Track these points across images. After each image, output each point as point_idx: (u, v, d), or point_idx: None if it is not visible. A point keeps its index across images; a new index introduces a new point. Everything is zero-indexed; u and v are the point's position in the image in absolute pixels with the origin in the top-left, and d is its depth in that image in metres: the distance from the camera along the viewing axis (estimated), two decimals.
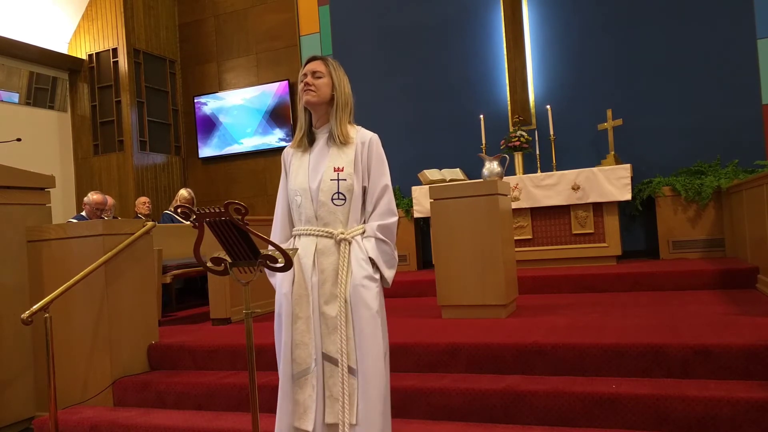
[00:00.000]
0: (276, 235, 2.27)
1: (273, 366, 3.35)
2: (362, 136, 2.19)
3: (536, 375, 2.99)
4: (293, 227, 2.24)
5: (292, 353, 2.11)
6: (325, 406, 2.07)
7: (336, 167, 2.13)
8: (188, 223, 6.22)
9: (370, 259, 2.13)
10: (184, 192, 6.93)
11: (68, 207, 8.73)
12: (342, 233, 2.12)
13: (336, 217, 2.13)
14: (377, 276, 2.14)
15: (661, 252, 6.16)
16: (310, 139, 2.22)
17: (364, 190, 2.19)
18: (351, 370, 2.06)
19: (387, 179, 2.21)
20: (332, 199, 2.12)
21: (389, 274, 2.17)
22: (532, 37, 7.22)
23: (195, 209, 1.88)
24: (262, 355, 3.46)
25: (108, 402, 3.64)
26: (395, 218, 2.20)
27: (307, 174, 2.16)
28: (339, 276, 2.09)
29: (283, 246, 2.19)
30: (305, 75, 2.17)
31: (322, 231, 2.13)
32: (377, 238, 2.14)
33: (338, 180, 2.11)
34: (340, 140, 2.14)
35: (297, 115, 2.26)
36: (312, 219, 2.14)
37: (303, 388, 2.09)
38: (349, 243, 2.12)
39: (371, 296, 2.09)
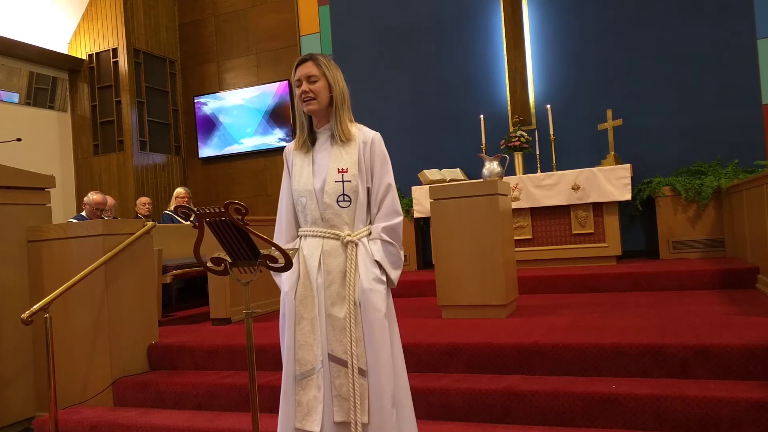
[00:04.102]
0: (282, 235, 2.24)
1: (273, 366, 3.36)
2: (364, 135, 2.17)
3: (536, 375, 2.99)
4: (299, 227, 2.23)
5: (296, 354, 2.10)
6: (333, 406, 2.06)
7: (340, 168, 2.11)
8: (188, 223, 6.24)
9: (377, 262, 2.12)
10: (180, 189, 6.92)
11: (68, 207, 8.73)
12: (349, 235, 2.11)
13: (342, 219, 2.12)
14: (384, 278, 2.14)
15: (661, 252, 6.16)
16: (312, 140, 2.20)
17: (368, 191, 2.18)
18: (361, 372, 2.05)
19: (390, 178, 2.19)
20: (338, 201, 2.10)
21: (395, 274, 2.17)
22: (532, 37, 7.22)
23: (195, 209, 1.88)
24: (262, 355, 3.46)
25: (108, 402, 3.64)
26: (400, 218, 2.19)
27: (311, 175, 2.15)
28: (347, 278, 2.08)
29: (289, 246, 2.19)
30: (300, 81, 2.12)
31: (329, 232, 2.11)
32: (383, 240, 2.14)
33: (343, 182, 2.10)
34: (341, 139, 2.13)
35: (296, 115, 2.23)
36: (318, 220, 2.13)
37: (306, 389, 2.07)
38: (356, 245, 2.11)
39: (380, 298, 2.09)
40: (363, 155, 2.15)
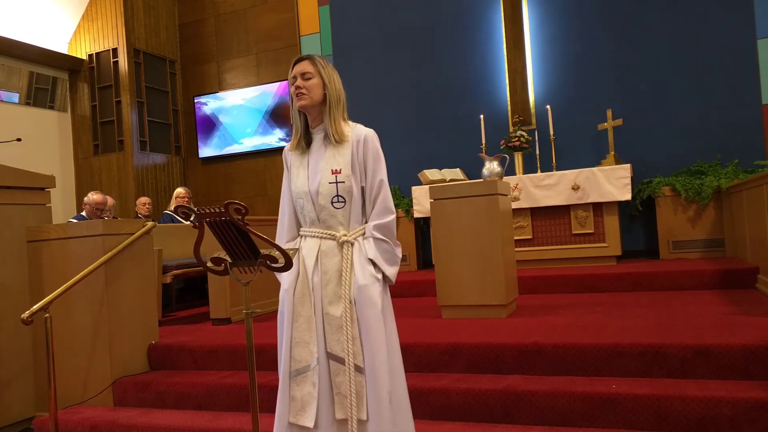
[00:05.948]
0: (283, 235, 2.27)
1: (273, 366, 3.35)
2: (357, 133, 2.17)
3: (536, 375, 2.99)
4: (300, 227, 2.25)
5: (292, 351, 2.12)
6: (335, 403, 2.08)
7: (334, 169, 2.12)
8: (188, 223, 6.23)
9: (371, 260, 2.13)
10: (180, 189, 6.92)
11: (68, 207, 8.73)
12: (344, 235, 2.13)
13: (337, 220, 2.14)
14: (380, 275, 2.15)
15: (661, 252, 6.15)
16: (307, 141, 2.21)
17: (363, 189, 2.19)
18: (358, 369, 2.07)
19: (382, 175, 2.19)
20: (332, 202, 2.12)
21: (391, 271, 2.17)
22: (532, 37, 7.22)
23: (195, 209, 1.88)
24: (262, 355, 3.46)
25: (108, 402, 3.64)
26: (392, 216, 2.19)
27: (306, 177, 2.17)
28: (343, 277, 2.10)
29: (289, 245, 2.21)
30: (294, 78, 2.15)
31: (325, 233, 2.14)
32: (375, 238, 2.15)
33: (336, 183, 2.12)
34: (335, 139, 2.14)
35: (292, 116, 2.24)
36: (315, 221, 2.16)
37: (301, 385, 2.10)
38: (352, 245, 2.13)
39: (375, 294, 2.10)
40: (356, 153, 2.15)
